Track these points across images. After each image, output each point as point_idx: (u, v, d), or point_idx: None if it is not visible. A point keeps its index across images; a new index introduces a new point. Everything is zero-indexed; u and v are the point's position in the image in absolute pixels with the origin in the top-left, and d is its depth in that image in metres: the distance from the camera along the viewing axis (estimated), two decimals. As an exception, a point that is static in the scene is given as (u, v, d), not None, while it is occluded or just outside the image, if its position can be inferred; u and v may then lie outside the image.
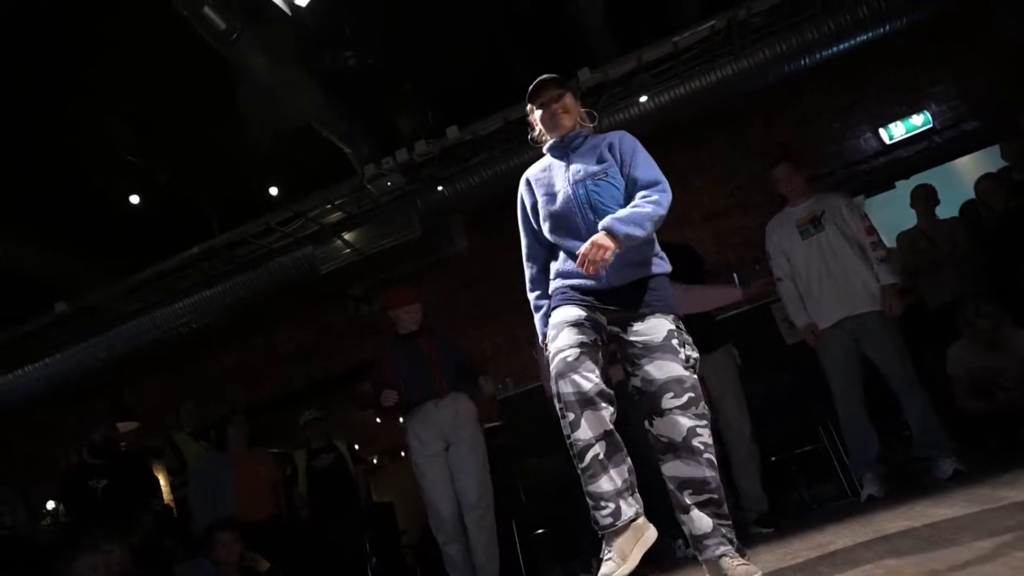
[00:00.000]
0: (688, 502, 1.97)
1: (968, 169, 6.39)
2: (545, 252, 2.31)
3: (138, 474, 4.37)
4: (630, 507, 1.95)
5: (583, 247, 2.01)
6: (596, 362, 2.03)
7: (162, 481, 5.01)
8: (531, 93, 2.30)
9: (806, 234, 3.57)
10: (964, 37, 5.48)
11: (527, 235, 2.36)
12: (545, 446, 3.76)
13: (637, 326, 2.08)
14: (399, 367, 3.72)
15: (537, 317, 2.30)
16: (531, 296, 2.33)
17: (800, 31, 5.01)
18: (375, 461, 11.43)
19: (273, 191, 6.09)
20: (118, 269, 5.81)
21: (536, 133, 2.37)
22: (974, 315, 3.73)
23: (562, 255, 2.22)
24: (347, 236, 5.62)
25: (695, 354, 2.08)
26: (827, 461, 3.72)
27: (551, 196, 2.23)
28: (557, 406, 2.02)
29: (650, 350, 2.04)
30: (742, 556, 1.95)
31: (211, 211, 5.91)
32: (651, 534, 1.98)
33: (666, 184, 2.17)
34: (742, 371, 3.72)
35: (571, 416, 1.97)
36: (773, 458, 3.94)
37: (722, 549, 1.92)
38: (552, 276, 2.26)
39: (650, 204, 2.09)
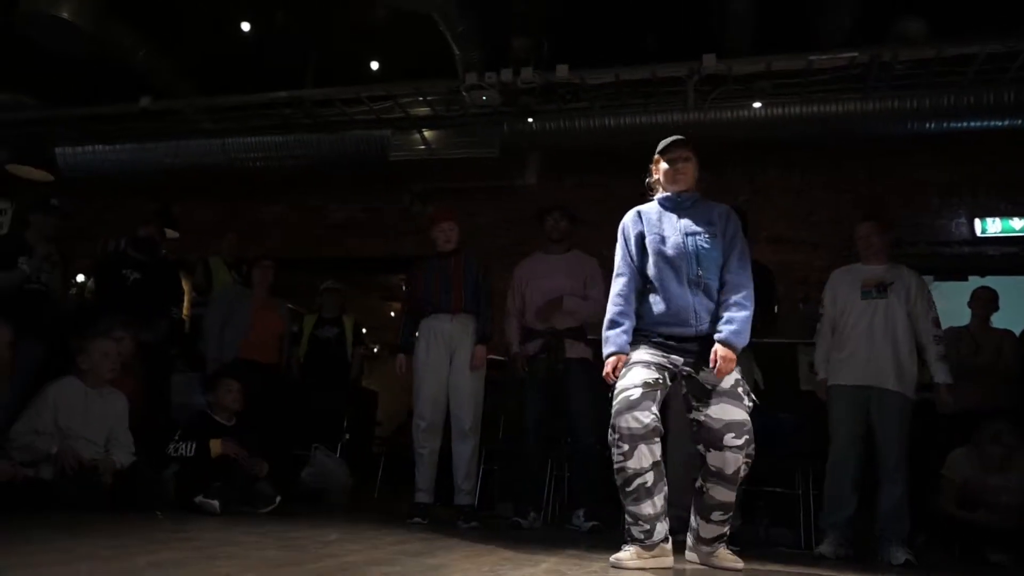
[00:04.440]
0: (712, 518, 2.38)
1: (1047, 289, 6.18)
2: (636, 277, 2.52)
3: (168, 279, 4.58)
4: (662, 530, 2.32)
5: (717, 364, 2.29)
6: (655, 400, 2.32)
7: (185, 296, 5.24)
8: (662, 148, 2.54)
9: (867, 296, 3.54)
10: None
11: (624, 257, 2.55)
12: (525, 395, 3.88)
13: (708, 371, 2.34)
14: (428, 278, 3.90)
15: (610, 332, 2.47)
16: (612, 307, 2.50)
17: (938, 94, 4.83)
18: (375, 350, 11.78)
19: (374, 65, 6.12)
20: (209, 86, 5.95)
21: (653, 180, 2.60)
22: (990, 440, 3.70)
23: (656, 299, 2.45)
24: (427, 133, 5.67)
25: (752, 402, 2.37)
26: (794, 508, 3.78)
27: (662, 238, 2.47)
28: (612, 436, 2.31)
29: (718, 394, 2.34)
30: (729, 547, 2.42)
31: (310, 62, 5.97)
32: (668, 560, 2.33)
33: (751, 278, 2.45)
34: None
35: (625, 447, 2.27)
36: (744, 487, 4.00)
37: (717, 551, 2.42)
38: (644, 317, 2.48)
39: (748, 303, 2.38)
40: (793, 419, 3.73)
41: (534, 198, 6.09)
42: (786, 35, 4.90)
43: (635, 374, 2.35)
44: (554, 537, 3.29)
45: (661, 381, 2.37)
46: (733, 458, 2.28)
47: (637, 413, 2.26)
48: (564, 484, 4.41)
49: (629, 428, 2.26)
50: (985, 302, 4.59)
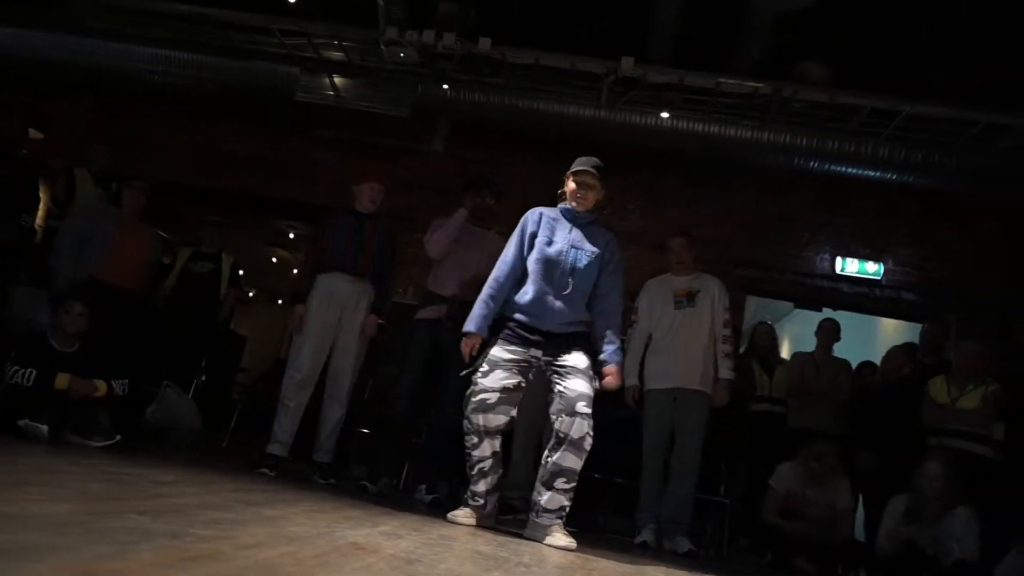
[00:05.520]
0: (555, 485, 2.63)
1: (888, 330, 6.82)
2: (519, 269, 2.84)
3: (23, 183, 4.19)
4: (492, 502, 2.82)
5: (609, 385, 2.77)
6: (511, 403, 2.72)
7: (41, 204, 4.80)
8: (575, 169, 2.82)
9: (679, 305, 3.87)
10: (954, 224, 5.78)
11: (515, 247, 2.85)
12: (403, 360, 3.88)
13: (566, 356, 2.73)
14: (340, 235, 3.83)
15: (477, 311, 2.79)
16: (487, 288, 2.81)
17: (825, 137, 5.18)
18: (250, 294, 11.31)
19: (291, -2, 5.81)
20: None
21: (561, 192, 2.88)
22: (815, 457, 4.06)
23: (527, 289, 2.78)
24: (337, 79, 5.47)
25: (597, 385, 2.76)
26: (634, 499, 3.97)
27: (550, 241, 2.81)
28: (467, 425, 2.72)
29: (575, 372, 2.70)
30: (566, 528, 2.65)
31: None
32: (491, 520, 2.83)
33: (619, 305, 2.88)
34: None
35: (475, 439, 2.72)
36: (596, 475, 4.17)
37: (557, 522, 2.63)
38: (510, 303, 2.80)
39: (617, 337, 2.82)
40: (638, 416, 3.92)
41: (437, 166, 6.03)
42: (703, 55, 5.08)
43: (496, 377, 2.69)
44: (400, 503, 3.31)
45: (520, 385, 2.72)
46: (581, 424, 2.62)
47: (492, 415, 2.68)
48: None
49: (483, 426, 2.68)
50: (829, 332, 5.01)
